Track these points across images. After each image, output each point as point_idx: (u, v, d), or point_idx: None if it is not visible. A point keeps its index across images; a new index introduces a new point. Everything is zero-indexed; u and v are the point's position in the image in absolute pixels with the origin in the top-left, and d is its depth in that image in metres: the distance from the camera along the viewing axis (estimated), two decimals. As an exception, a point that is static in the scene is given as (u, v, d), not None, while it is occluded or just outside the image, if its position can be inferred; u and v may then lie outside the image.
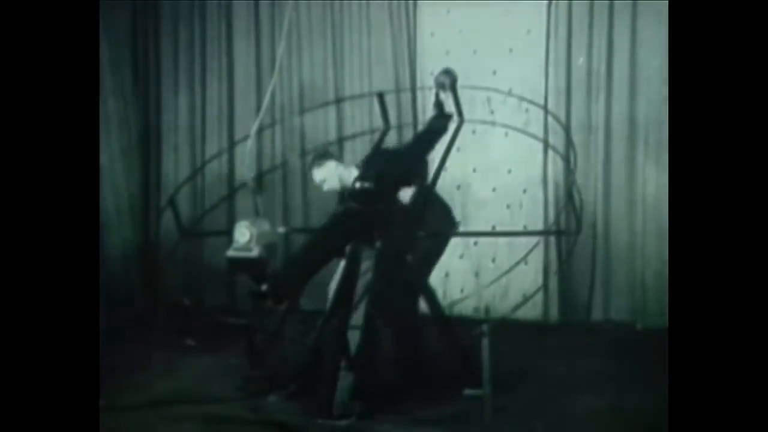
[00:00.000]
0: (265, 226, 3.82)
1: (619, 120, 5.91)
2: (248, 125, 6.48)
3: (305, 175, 6.52)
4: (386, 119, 5.11)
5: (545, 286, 6.03)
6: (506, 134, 5.86)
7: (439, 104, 4.74)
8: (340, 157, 5.00)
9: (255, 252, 3.71)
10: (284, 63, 6.54)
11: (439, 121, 4.76)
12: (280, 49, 5.73)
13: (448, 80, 4.60)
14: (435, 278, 5.92)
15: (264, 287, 3.68)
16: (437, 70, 4.79)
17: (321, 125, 6.48)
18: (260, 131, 6.50)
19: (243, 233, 3.72)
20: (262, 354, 5.11)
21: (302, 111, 6.47)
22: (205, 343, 5.49)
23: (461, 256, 6.28)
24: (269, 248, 3.78)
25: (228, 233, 3.93)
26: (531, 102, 5.47)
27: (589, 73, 5.95)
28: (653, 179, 5.81)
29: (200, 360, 5.28)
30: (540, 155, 6.06)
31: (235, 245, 3.73)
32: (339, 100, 6.38)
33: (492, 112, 5.78)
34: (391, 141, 6.04)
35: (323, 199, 6.38)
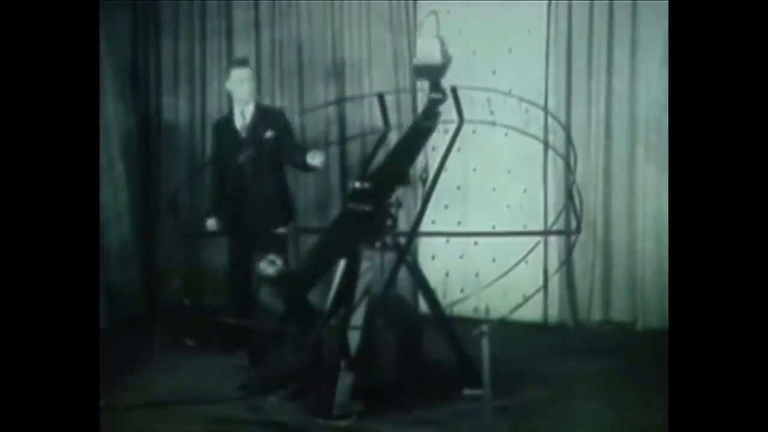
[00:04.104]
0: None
1: (619, 120, 5.90)
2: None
3: (305, 175, 6.53)
4: (386, 120, 5.11)
5: (545, 286, 6.02)
6: (506, 134, 5.86)
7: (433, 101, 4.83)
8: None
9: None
10: (284, 63, 6.55)
11: (428, 122, 4.85)
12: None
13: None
14: (435, 278, 5.94)
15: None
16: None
17: (321, 126, 6.48)
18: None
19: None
20: (262, 354, 5.12)
21: (302, 112, 6.46)
22: (205, 343, 5.49)
23: (461, 257, 6.28)
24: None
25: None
26: (531, 102, 5.46)
27: (589, 74, 5.95)
28: (653, 179, 5.80)
29: (200, 360, 5.28)
30: (540, 155, 6.06)
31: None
32: (339, 101, 6.38)
33: (492, 113, 5.76)
34: (391, 142, 6.06)
35: (324, 199, 6.42)
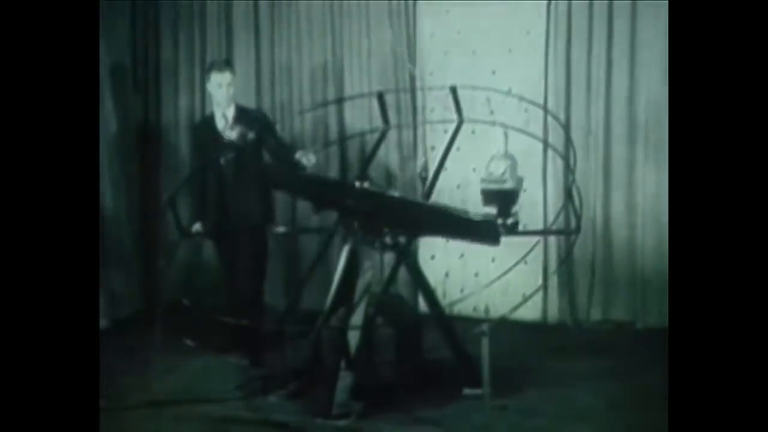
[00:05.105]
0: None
1: (619, 120, 5.90)
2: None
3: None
4: (386, 119, 5.12)
5: (545, 285, 6.02)
6: (506, 134, 5.86)
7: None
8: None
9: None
10: (284, 62, 6.55)
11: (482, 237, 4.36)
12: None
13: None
14: (435, 278, 5.94)
15: None
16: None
17: (321, 125, 6.48)
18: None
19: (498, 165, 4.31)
20: (262, 354, 5.12)
21: (302, 111, 6.46)
22: (205, 343, 5.48)
23: (461, 256, 6.28)
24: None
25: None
26: (530, 102, 5.46)
27: (588, 73, 5.95)
28: (652, 179, 5.81)
29: (200, 360, 5.28)
30: (539, 155, 6.05)
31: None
32: (339, 100, 6.37)
33: (491, 112, 5.76)
34: (391, 140, 6.06)
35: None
